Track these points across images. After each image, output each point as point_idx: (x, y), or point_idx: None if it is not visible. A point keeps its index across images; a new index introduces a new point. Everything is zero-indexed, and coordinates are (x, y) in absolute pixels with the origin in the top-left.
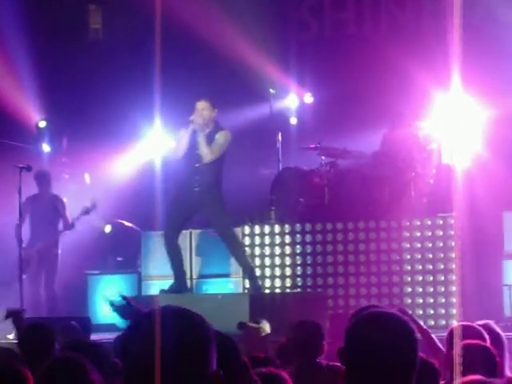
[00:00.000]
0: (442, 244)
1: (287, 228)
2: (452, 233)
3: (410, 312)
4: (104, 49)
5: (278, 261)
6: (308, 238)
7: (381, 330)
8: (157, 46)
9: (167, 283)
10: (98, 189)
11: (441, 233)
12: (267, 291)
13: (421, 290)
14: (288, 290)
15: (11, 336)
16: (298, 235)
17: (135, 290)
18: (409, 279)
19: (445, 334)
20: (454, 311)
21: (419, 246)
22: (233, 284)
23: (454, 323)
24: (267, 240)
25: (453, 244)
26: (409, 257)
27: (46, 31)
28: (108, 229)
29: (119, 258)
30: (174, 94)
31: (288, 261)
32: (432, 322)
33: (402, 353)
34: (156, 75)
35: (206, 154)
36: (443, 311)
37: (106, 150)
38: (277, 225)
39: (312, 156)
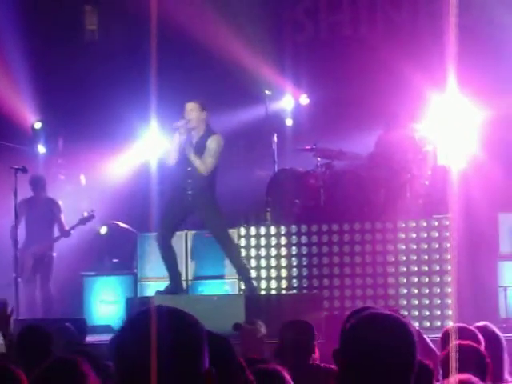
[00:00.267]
0: (437, 245)
1: (283, 229)
2: (447, 234)
3: (406, 313)
4: (100, 50)
5: (273, 262)
6: (303, 239)
7: (378, 331)
8: (152, 47)
9: (163, 285)
10: (94, 190)
11: (436, 234)
12: (263, 292)
13: (416, 291)
14: (283, 292)
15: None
16: (294, 237)
17: (131, 292)
18: (404, 280)
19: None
20: (450, 312)
21: (415, 247)
22: (228, 285)
23: (450, 324)
24: (263, 241)
25: (448, 245)
26: (404, 258)
27: (42, 32)
28: (104, 230)
29: (115, 260)
30: (169, 96)
31: (283, 262)
32: (427, 324)
33: (400, 354)
34: (152, 76)
35: (199, 166)
36: (439, 312)
37: (101, 151)
38: (272, 226)
39: (308, 157)
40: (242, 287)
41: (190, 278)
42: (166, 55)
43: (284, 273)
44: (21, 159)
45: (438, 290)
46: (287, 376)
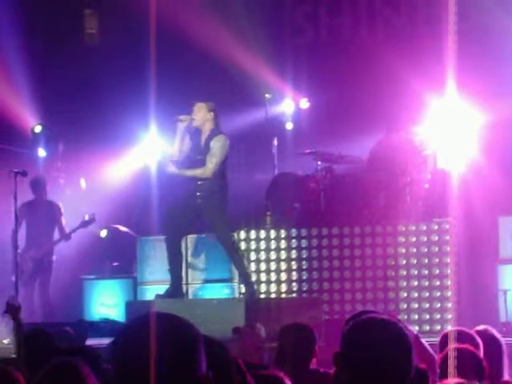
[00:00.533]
0: (437, 249)
1: (283, 233)
2: (447, 238)
3: (405, 317)
4: (100, 53)
5: (273, 266)
6: (304, 243)
7: (374, 336)
8: (152, 51)
9: (163, 288)
10: (94, 194)
11: (436, 238)
12: (262, 296)
13: (416, 294)
14: (283, 295)
15: (6, 341)
16: (294, 240)
17: (130, 295)
18: (404, 284)
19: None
20: (450, 316)
21: (415, 250)
22: (228, 289)
23: (450, 328)
24: (263, 245)
25: (448, 249)
26: (404, 262)
27: (42, 36)
28: (104, 234)
29: (115, 263)
30: (169, 99)
31: (283, 266)
32: (427, 327)
33: (396, 358)
34: (151, 80)
35: (202, 173)
36: (438, 316)
37: (101, 154)
38: (272, 230)
39: (307, 161)
40: (242, 291)
41: (189, 281)
42: (165, 59)
43: (284, 276)
44: (21, 163)
45: (438, 294)
46: (289, 382)
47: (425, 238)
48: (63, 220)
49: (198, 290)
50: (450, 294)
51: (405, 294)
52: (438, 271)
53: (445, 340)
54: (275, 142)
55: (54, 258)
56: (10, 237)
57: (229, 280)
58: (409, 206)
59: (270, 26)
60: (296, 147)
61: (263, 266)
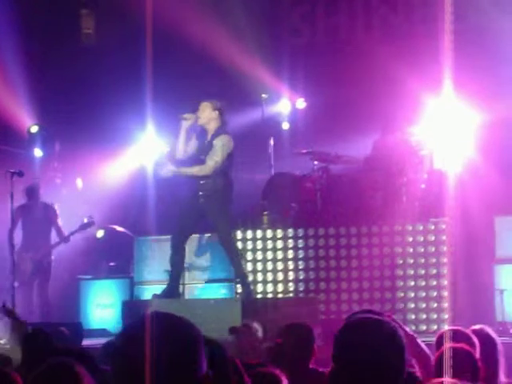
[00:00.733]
0: (434, 249)
1: (279, 233)
2: (444, 238)
3: (402, 317)
4: (96, 53)
5: (270, 266)
6: (300, 243)
7: (367, 336)
8: (149, 51)
9: (159, 288)
10: (91, 194)
11: (433, 238)
12: (259, 296)
13: (413, 294)
14: (280, 295)
15: (2, 341)
16: (291, 240)
17: (127, 295)
18: (401, 284)
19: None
20: (446, 316)
21: (411, 250)
22: (225, 289)
23: (446, 328)
24: (259, 245)
25: (445, 249)
26: (401, 262)
27: (39, 36)
28: (100, 234)
29: (112, 263)
30: (165, 99)
31: (280, 266)
32: (424, 327)
33: (389, 358)
34: (148, 80)
35: (200, 170)
36: (435, 316)
37: (98, 154)
38: (269, 230)
39: (304, 161)
40: (239, 291)
41: (187, 281)
42: (161, 59)
43: (280, 276)
44: (17, 163)
45: (435, 294)
46: (285, 380)
47: (421, 238)
48: (60, 221)
49: (195, 290)
50: (446, 293)
51: (401, 294)
52: (434, 271)
53: (441, 340)
54: (272, 142)
55: (53, 257)
56: (7, 236)
57: (226, 280)
58: (405, 206)
59: (267, 26)
60: (292, 147)
61: (260, 266)
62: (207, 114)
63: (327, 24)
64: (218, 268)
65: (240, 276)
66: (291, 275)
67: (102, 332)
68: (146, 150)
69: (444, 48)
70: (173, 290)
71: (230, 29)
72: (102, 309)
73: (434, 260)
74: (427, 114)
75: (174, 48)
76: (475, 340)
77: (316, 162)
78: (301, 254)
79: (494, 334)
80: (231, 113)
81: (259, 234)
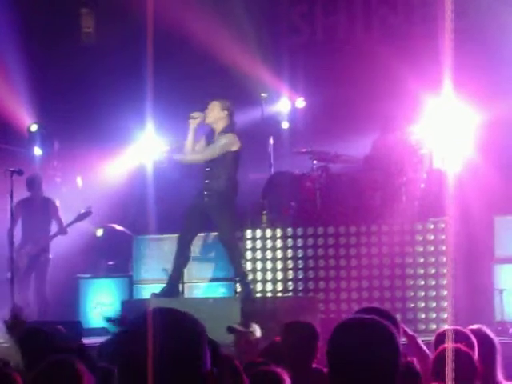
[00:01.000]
0: (433, 248)
1: (279, 232)
2: (443, 237)
3: (401, 316)
4: (96, 52)
5: (269, 265)
6: (299, 242)
7: (359, 337)
8: (149, 50)
9: (158, 287)
10: (90, 192)
11: (432, 237)
12: (258, 295)
13: (412, 294)
14: (279, 294)
15: (1, 340)
16: (290, 239)
17: (126, 294)
18: (400, 283)
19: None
20: (445, 315)
21: (410, 250)
22: (224, 288)
23: (445, 327)
24: (259, 244)
25: (444, 248)
26: (400, 261)
27: (39, 35)
28: (100, 233)
29: (111, 262)
30: (165, 98)
31: (279, 265)
32: (423, 327)
33: (382, 357)
34: (148, 79)
35: (194, 158)
36: (434, 315)
37: (97, 153)
38: (268, 229)
39: (303, 160)
40: (238, 290)
41: (186, 280)
42: (162, 58)
43: (280, 275)
44: (17, 161)
45: (434, 293)
46: (287, 379)
47: (420, 238)
48: (60, 215)
49: (194, 289)
50: (445, 293)
51: (400, 293)
52: (433, 270)
53: (439, 339)
54: (271, 141)
55: (51, 256)
56: (6, 234)
57: (225, 279)
58: (405, 206)
59: (267, 25)
60: (292, 146)
61: (259, 265)
62: (215, 114)
63: (326, 23)
64: (217, 267)
65: (239, 275)
66: (290, 274)
67: (101, 331)
68: (145, 149)
69: (443, 47)
70: (172, 288)
71: (229, 28)
72: (101, 307)
73: (433, 259)
74: (427, 113)
75: (173, 47)
76: (474, 340)
77: (315, 162)
78: (300, 253)
79: (491, 334)
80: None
81: (258, 233)
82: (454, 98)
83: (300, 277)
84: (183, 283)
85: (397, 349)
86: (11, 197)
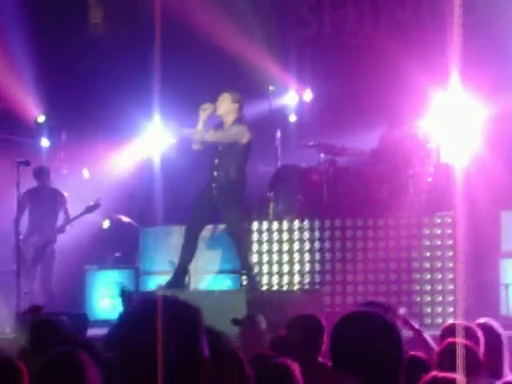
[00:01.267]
0: (439, 242)
1: (285, 225)
2: (449, 231)
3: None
4: (104, 43)
5: (275, 257)
6: (306, 235)
7: (360, 329)
8: (156, 41)
9: (165, 279)
10: (97, 184)
11: (439, 231)
12: (264, 288)
13: (418, 288)
14: (285, 287)
15: (8, 329)
16: (296, 232)
17: (133, 286)
18: (406, 277)
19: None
20: (451, 309)
21: (417, 244)
22: (231, 281)
23: (451, 321)
24: (265, 237)
25: (450, 242)
26: (406, 255)
27: (46, 26)
28: (106, 224)
29: (117, 254)
30: (173, 90)
31: (285, 258)
32: (429, 321)
33: (385, 350)
34: (155, 71)
35: (218, 137)
36: (440, 309)
37: (105, 145)
38: (275, 222)
39: (311, 153)
40: (244, 283)
41: (192, 272)
42: (169, 49)
43: (286, 268)
44: (24, 153)
45: (440, 287)
46: (297, 371)
47: (427, 232)
48: (68, 207)
49: (201, 281)
50: (451, 287)
51: (406, 287)
52: (440, 264)
53: (445, 333)
54: (278, 134)
55: (57, 246)
56: (13, 225)
57: (232, 271)
58: (411, 199)
59: (275, 18)
60: (299, 139)
61: (265, 258)
62: (226, 106)
63: (334, 17)
64: (224, 259)
65: (246, 268)
66: (297, 267)
67: (107, 322)
68: (152, 141)
69: (451, 41)
70: (178, 280)
71: (237, 20)
72: (107, 299)
73: (439, 253)
74: (434, 107)
75: (181, 39)
76: (479, 334)
77: (322, 155)
78: (306, 246)
79: (498, 328)
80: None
81: (265, 225)
82: (462, 92)
83: (306, 270)
84: (190, 275)
85: (399, 341)
86: (18, 187)
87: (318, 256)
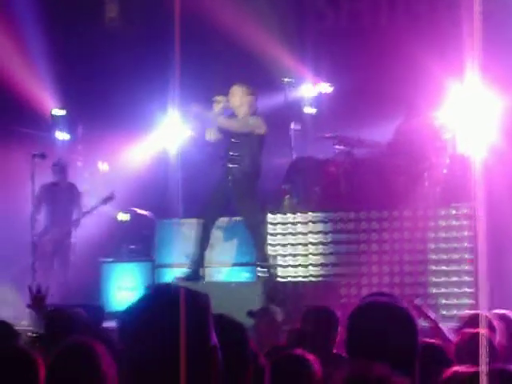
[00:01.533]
0: (456, 234)
1: (301, 217)
2: (466, 223)
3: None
4: (120, 37)
5: (290, 249)
6: (321, 227)
7: (375, 319)
8: (173, 34)
9: (181, 271)
10: (113, 176)
11: (455, 223)
12: (280, 280)
13: (434, 279)
14: (301, 279)
15: (25, 322)
16: (312, 224)
17: (149, 278)
18: (422, 269)
19: (458, 324)
20: (467, 301)
21: (433, 235)
22: (247, 273)
23: (469, 312)
24: (280, 229)
25: (466, 234)
26: (422, 246)
27: (63, 19)
28: (122, 217)
29: (133, 246)
30: (189, 83)
31: (301, 250)
32: (444, 312)
33: (398, 339)
34: (171, 64)
35: (231, 124)
36: (456, 301)
37: (121, 138)
38: (290, 214)
39: (327, 145)
40: (260, 274)
41: (208, 264)
42: (186, 42)
43: (301, 260)
44: (40, 145)
45: (456, 279)
46: (315, 361)
47: (443, 223)
48: (82, 203)
49: (217, 273)
50: (467, 278)
51: (422, 279)
52: (456, 256)
53: (464, 323)
54: (294, 126)
55: (73, 240)
56: (29, 219)
57: (248, 264)
58: (428, 191)
59: (291, 11)
60: (315, 131)
61: (281, 250)
62: (239, 98)
63: (351, 9)
64: (240, 251)
65: (262, 260)
66: (312, 259)
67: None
68: (169, 134)
69: (468, 32)
70: (194, 272)
71: (254, 13)
72: (123, 292)
73: (455, 245)
74: (451, 98)
75: (197, 32)
76: (496, 324)
77: (339, 146)
78: (321, 237)
79: None
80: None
81: (280, 217)
82: (478, 83)
83: (321, 262)
84: (205, 267)
85: (415, 330)
86: (33, 180)
87: (333, 248)
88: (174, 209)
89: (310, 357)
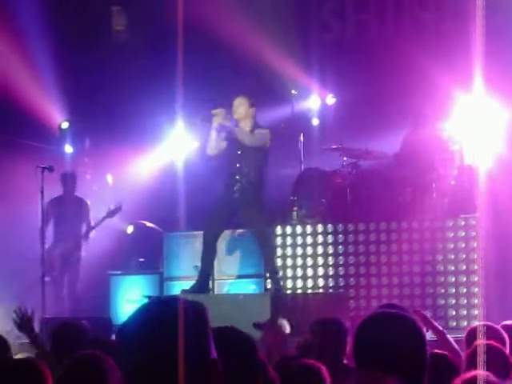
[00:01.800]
0: (464, 245)
1: (309, 229)
2: (474, 234)
3: (428, 313)
4: (127, 50)
5: (299, 261)
6: (330, 238)
7: (383, 330)
8: (179, 47)
9: (189, 284)
10: (121, 189)
11: (463, 234)
12: (289, 292)
13: (443, 290)
14: (310, 291)
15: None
16: (320, 236)
17: (157, 291)
18: (430, 280)
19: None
20: (476, 312)
21: (441, 246)
22: (255, 285)
23: (476, 324)
24: (289, 240)
25: (475, 245)
26: (430, 258)
27: (70, 32)
28: (130, 229)
29: (141, 259)
30: (196, 96)
31: (309, 261)
32: (454, 323)
33: (407, 350)
34: (178, 76)
35: (244, 136)
36: (465, 312)
37: (128, 150)
38: (298, 225)
39: (334, 157)
40: (268, 286)
41: (216, 277)
42: (192, 55)
43: (310, 272)
44: (48, 159)
45: (465, 290)
46: (324, 370)
47: (451, 234)
48: (91, 216)
49: (225, 286)
50: (476, 290)
51: (431, 290)
52: (464, 267)
53: (471, 336)
54: (301, 138)
55: (83, 254)
56: (38, 232)
57: (256, 275)
58: (435, 202)
59: (297, 22)
60: (322, 143)
61: (289, 262)
62: (243, 110)
63: (357, 20)
64: (248, 263)
65: (270, 271)
66: (321, 271)
67: None
68: (175, 146)
69: (475, 43)
70: (202, 285)
71: (259, 25)
72: (131, 304)
73: (463, 256)
74: (458, 109)
75: (204, 44)
76: (505, 336)
77: (346, 158)
78: (330, 249)
79: None
80: (262, 109)
81: (289, 229)
82: (485, 94)
83: (330, 273)
84: (214, 280)
85: (423, 341)
86: (42, 194)
87: (341, 259)
88: (181, 221)
89: (321, 366)
